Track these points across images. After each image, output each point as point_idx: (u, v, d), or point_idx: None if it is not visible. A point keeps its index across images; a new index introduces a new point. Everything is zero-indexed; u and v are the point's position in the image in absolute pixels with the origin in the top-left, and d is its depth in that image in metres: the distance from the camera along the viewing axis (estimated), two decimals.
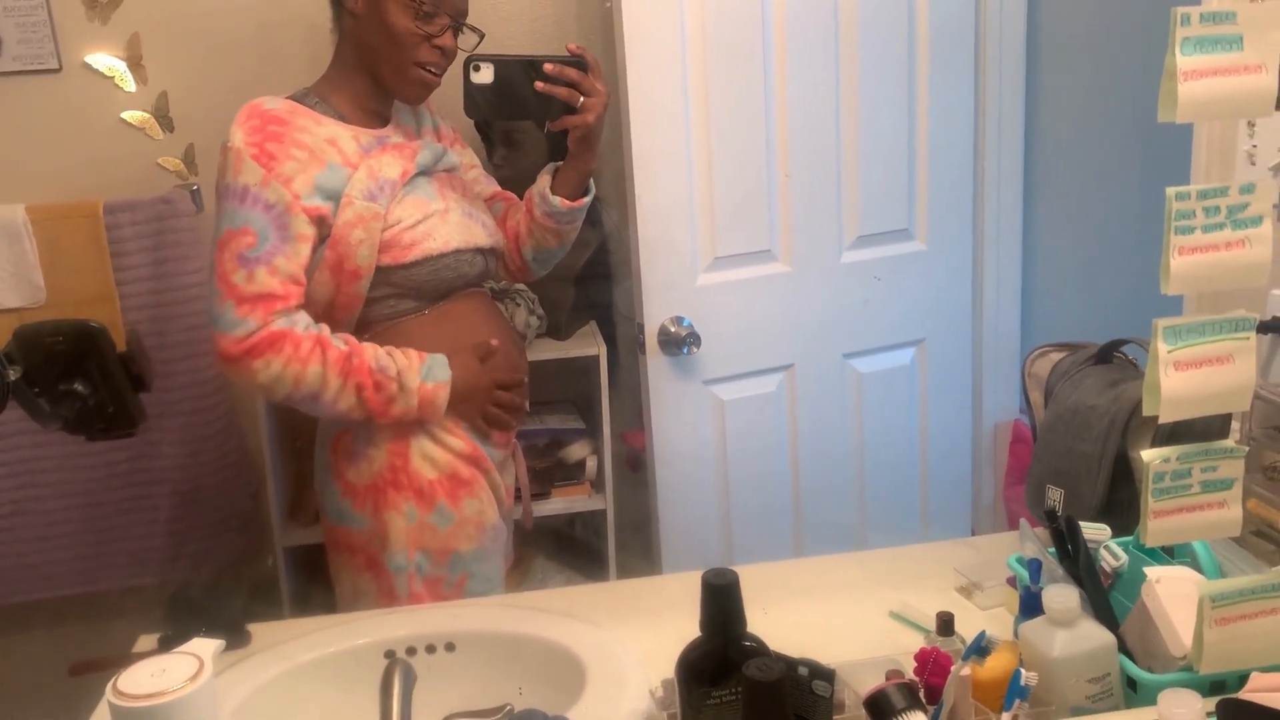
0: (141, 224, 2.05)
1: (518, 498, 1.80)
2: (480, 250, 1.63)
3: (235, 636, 1.30)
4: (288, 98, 1.55)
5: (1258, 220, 0.87)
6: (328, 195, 1.49)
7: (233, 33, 2.09)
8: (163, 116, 2.11)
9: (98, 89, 2.08)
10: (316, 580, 2.04)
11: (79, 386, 0.88)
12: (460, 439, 1.60)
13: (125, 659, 1.10)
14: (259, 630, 1.33)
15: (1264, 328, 1.34)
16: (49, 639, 2.15)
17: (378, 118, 1.61)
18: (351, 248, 1.50)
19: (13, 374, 0.81)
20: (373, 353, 1.51)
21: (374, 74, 1.58)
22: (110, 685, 0.86)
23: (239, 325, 1.44)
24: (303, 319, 1.48)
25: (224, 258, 1.46)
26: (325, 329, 1.50)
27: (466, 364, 1.58)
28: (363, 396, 1.50)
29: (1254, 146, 1.42)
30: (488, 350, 1.60)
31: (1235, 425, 1.22)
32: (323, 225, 1.50)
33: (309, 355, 1.47)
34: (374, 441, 1.57)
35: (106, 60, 2.07)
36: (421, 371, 1.53)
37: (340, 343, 1.50)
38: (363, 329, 1.59)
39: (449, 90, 1.62)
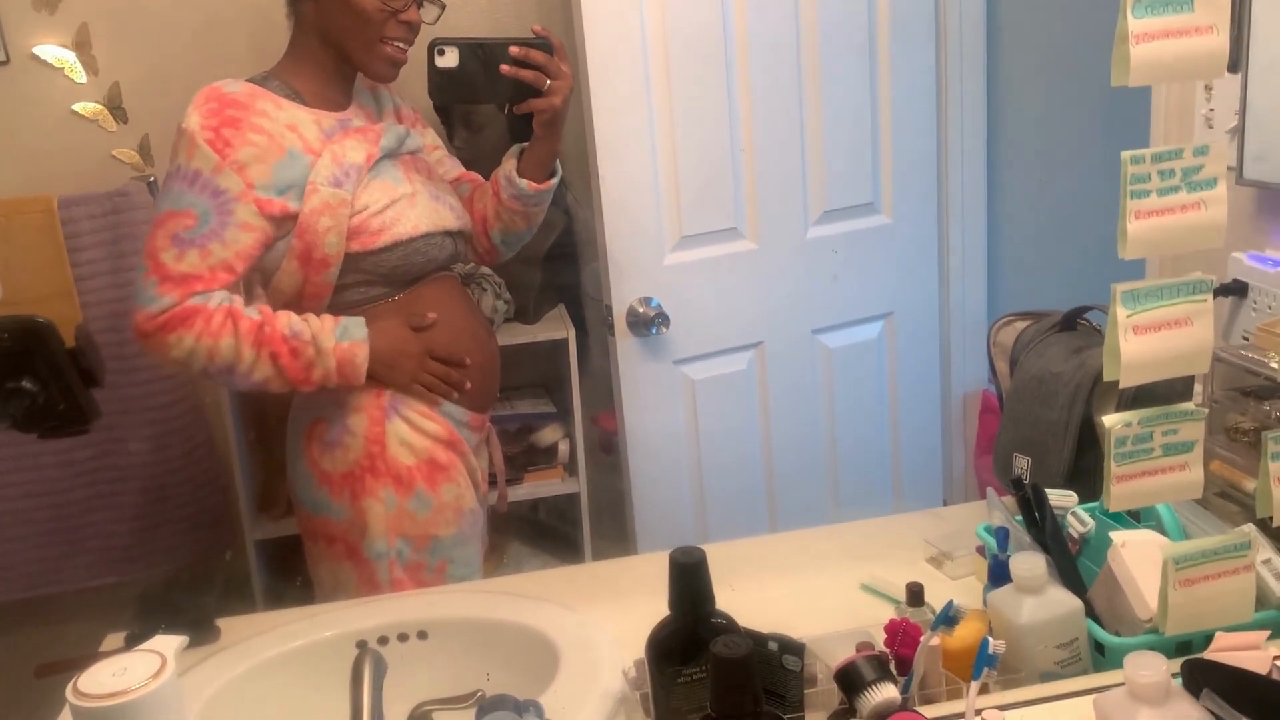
0: (98, 218, 2.02)
1: (492, 482, 1.79)
2: (449, 233, 1.61)
3: (204, 632, 1.29)
4: (248, 80, 1.52)
5: (1212, 182, 0.87)
6: (286, 186, 1.47)
7: (185, 20, 2.05)
8: (116, 108, 2.08)
9: (47, 81, 2.04)
10: (288, 573, 2.03)
11: (26, 384, 0.86)
12: (438, 424, 1.59)
13: (91, 659, 1.08)
14: (229, 625, 1.31)
15: (1223, 290, 1.35)
16: (15, 641, 2.13)
17: (338, 101, 1.59)
18: (319, 235, 1.48)
19: None
20: (286, 319, 1.49)
21: (341, 55, 1.55)
22: (70, 686, 0.85)
23: (155, 302, 1.43)
24: (217, 296, 1.45)
25: (158, 235, 1.44)
26: (238, 300, 1.47)
27: (393, 330, 1.56)
28: (279, 365, 1.48)
29: (1211, 110, 1.42)
30: (420, 320, 1.58)
31: (1198, 389, 1.23)
32: (282, 219, 1.48)
33: (220, 328, 1.44)
34: (350, 429, 1.55)
35: (55, 51, 2.03)
36: (336, 332, 1.51)
37: (254, 313, 1.47)
38: (335, 314, 1.56)
39: (410, 72, 1.60)
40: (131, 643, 1.23)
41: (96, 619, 1.60)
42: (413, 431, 1.57)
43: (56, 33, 2.03)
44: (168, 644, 0.90)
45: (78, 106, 2.06)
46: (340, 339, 1.50)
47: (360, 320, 1.53)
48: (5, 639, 2.13)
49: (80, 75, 2.05)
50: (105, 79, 2.06)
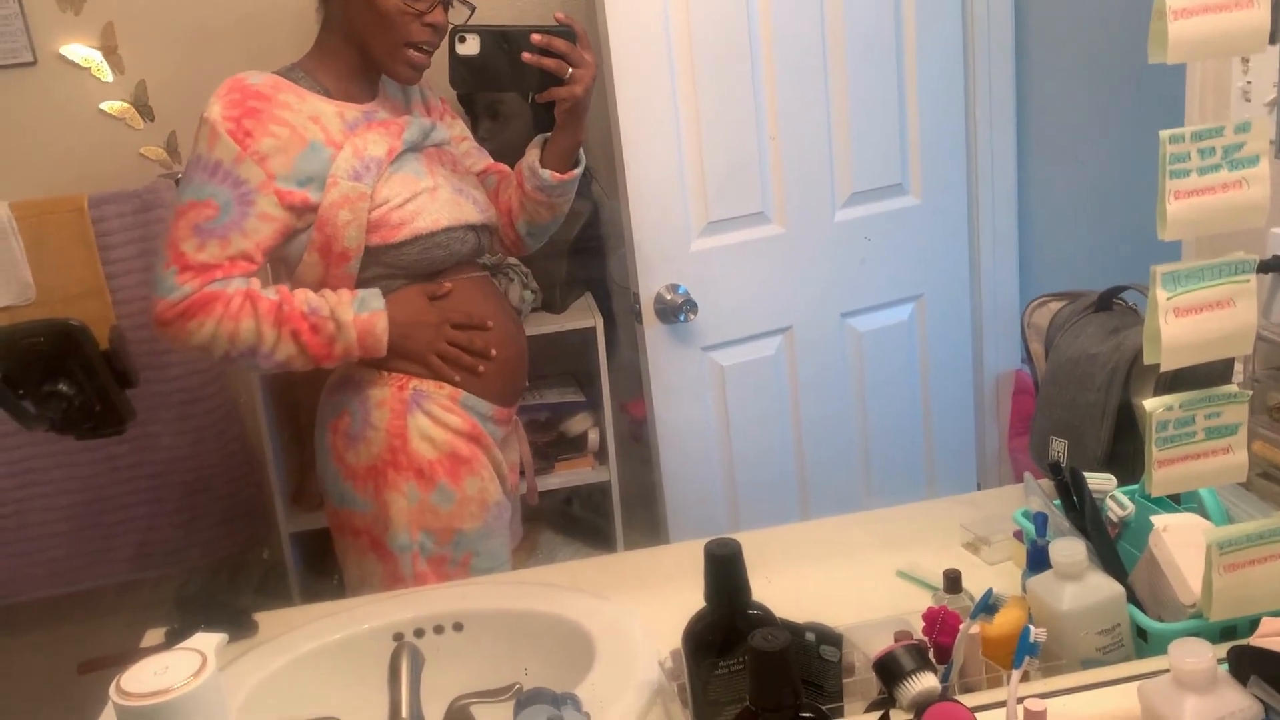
0: (128, 216, 2.03)
1: (521, 475, 1.79)
2: (472, 227, 1.61)
3: (242, 627, 1.30)
4: (274, 72, 1.52)
5: (1255, 160, 0.85)
6: (308, 178, 1.47)
7: (210, 17, 2.06)
8: (142, 106, 2.09)
9: (75, 81, 2.05)
10: (324, 565, 2.04)
11: (63, 386, 0.87)
12: (459, 416, 1.59)
13: (134, 654, 1.09)
14: (266, 619, 1.33)
15: (1264, 267, 1.32)
16: (57, 637, 2.16)
17: (364, 94, 1.59)
18: (339, 229, 1.48)
19: None
20: (303, 296, 1.49)
21: (364, 54, 1.55)
22: (114, 685, 0.86)
23: (175, 290, 1.43)
24: (235, 281, 1.46)
25: (179, 225, 1.44)
26: (255, 283, 1.47)
27: (410, 299, 1.55)
28: (301, 342, 1.48)
29: (1248, 83, 1.39)
30: (436, 289, 1.57)
31: (1238, 368, 1.21)
32: (303, 210, 1.48)
33: (240, 311, 1.44)
34: (371, 423, 1.56)
35: (82, 51, 2.05)
36: (354, 304, 1.51)
37: (271, 293, 1.48)
38: None
39: (436, 60, 1.59)
40: (172, 638, 1.25)
41: (137, 613, 1.62)
42: (434, 425, 1.57)
43: (82, 33, 2.04)
44: (208, 642, 0.90)
45: (105, 105, 2.08)
46: (359, 310, 1.51)
47: (376, 291, 1.53)
48: (48, 633, 2.16)
49: (107, 74, 2.06)
50: (131, 77, 2.07)
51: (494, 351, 1.59)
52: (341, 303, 1.50)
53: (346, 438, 1.58)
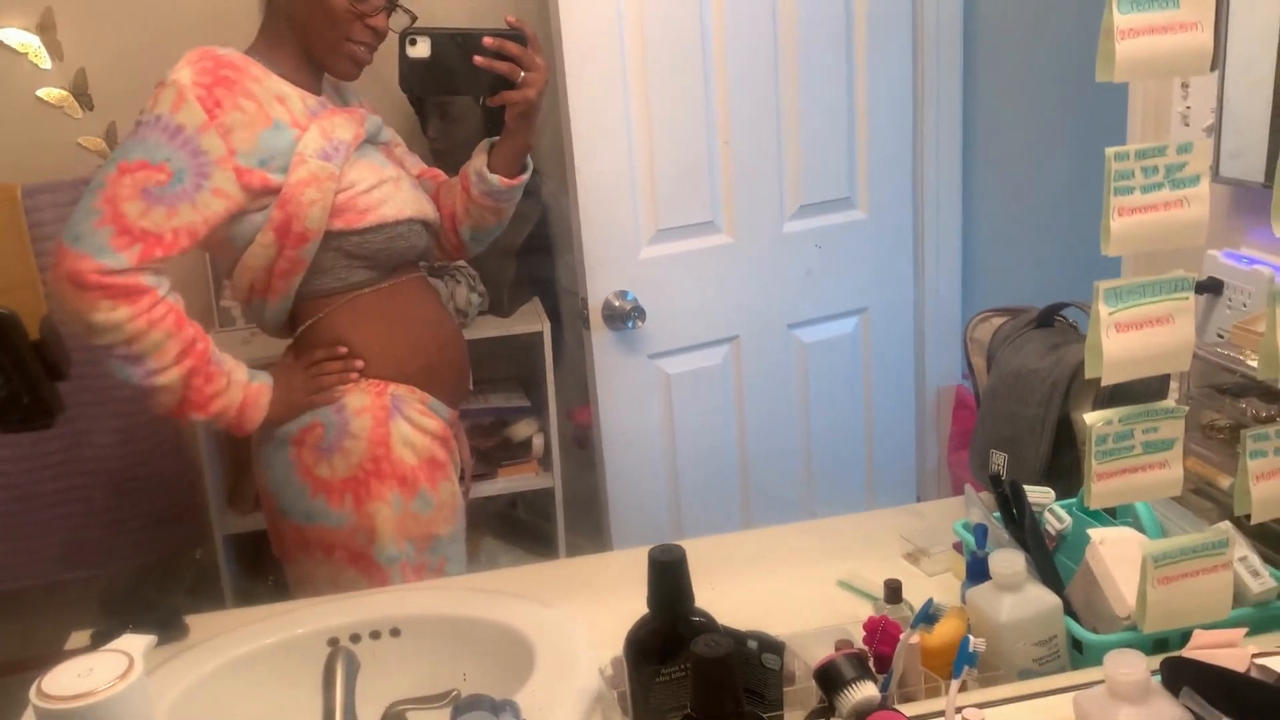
0: (64, 206, 1.98)
1: (461, 476, 1.77)
2: (427, 223, 1.60)
3: (172, 630, 1.26)
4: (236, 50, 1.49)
5: (1196, 179, 0.87)
6: (269, 158, 1.43)
7: (153, 5, 2.01)
8: (82, 94, 2.04)
9: (11, 66, 2.00)
10: (258, 568, 2.01)
11: None
12: (433, 420, 1.57)
13: (56, 657, 1.06)
14: (197, 622, 1.29)
15: (1199, 288, 1.35)
16: None
17: (313, 85, 1.56)
18: (303, 208, 1.44)
19: None
20: (212, 344, 1.47)
21: (305, 49, 1.53)
22: (34, 687, 0.83)
23: (108, 255, 1.34)
24: (166, 283, 1.41)
25: (123, 182, 1.36)
26: (181, 302, 1.43)
27: (281, 369, 1.55)
28: (190, 381, 1.42)
29: (1188, 108, 1.43)
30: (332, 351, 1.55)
31: (1174, 386, 1.23)
32: (260, 192, 1.43)
33: (160, 320, 1.39)
34: (351, 433, 1.51)
35: (19, 36, 1.99)
36: (248, 374, 1.50)
37: (190, 325, 1.43)
38: (314, 306, 1.53)
39: (379, 65, 1.57)
40: (98, 640, 1.21)
41: (63, 614, 1.57)
42: (414, 430, 1.54)
43: (20, 16, 1.99)
44: (135, 644, 0.88)
45: (42, 93, 2.03)
46: (251, 380, 1.49)
47: (267, 371, 1.52)
48: None
49: (45, 61, 2.01)
50: (71, 65, 2.02)
51: (360, 363, 1.54)
52: (240, 366, 1.49)
53: (318, 451, 1.52)
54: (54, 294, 1.38)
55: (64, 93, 2.03)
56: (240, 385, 1.47)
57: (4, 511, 2.05)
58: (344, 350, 1.54)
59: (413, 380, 1.56)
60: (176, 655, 1.21)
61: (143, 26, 2.01)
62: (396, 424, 1.53)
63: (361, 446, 1.51)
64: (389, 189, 1.52)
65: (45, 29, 1.99)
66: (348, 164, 1.48)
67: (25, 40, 1.99)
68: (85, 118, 2.05)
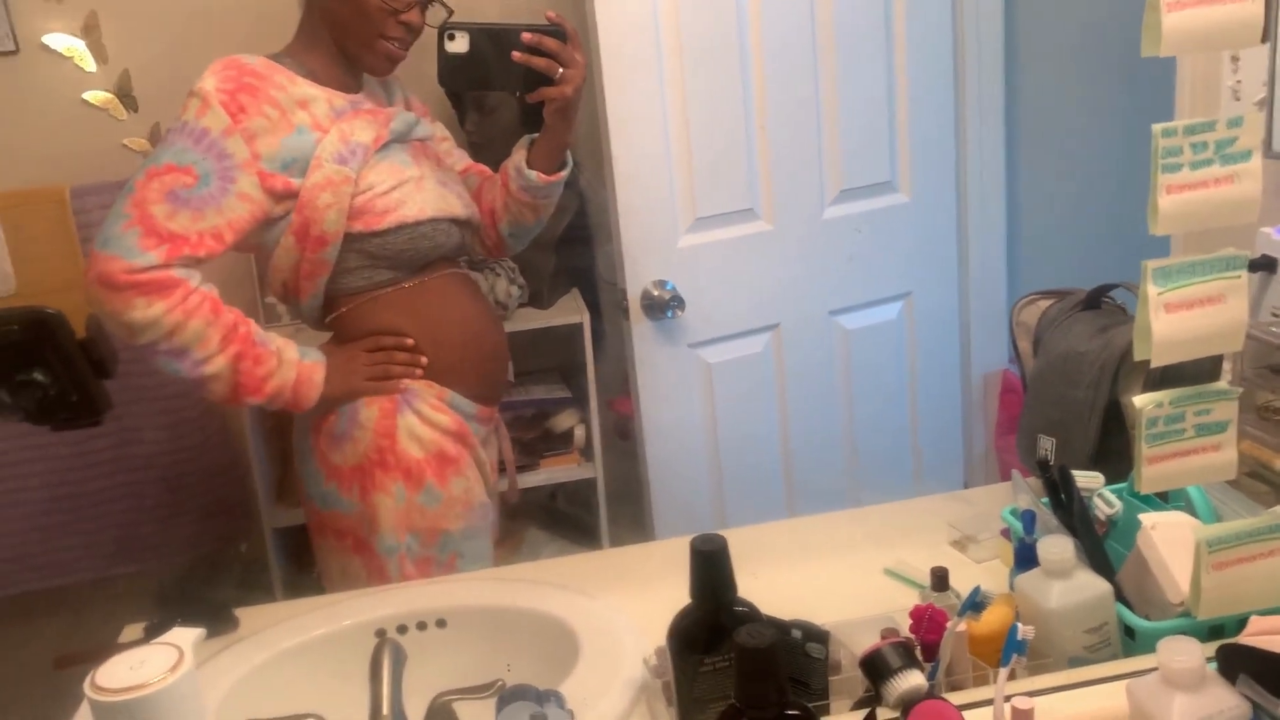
0: (109, 207, 2.00)
1: (502, 471, 1.78)
2: (456, 221, 1.59)
3: (223, 622, 1.28)
4: (264, 57, 1.50)
5: (1247, 155, 0.85)
6: (291, 161, 1.45)
7: (193, 6, 2.04)
8: (126, 96, 2.07)
9: (57, 70, 2.03)
10: (306, 561, 2.03)
11: (38, 375, 0.85)
12: (448, 415, 1.57)
13: (111, 649, 1.08)
14: (247, 614, 1.31)
15: (1253, 266, 1.32)
16: (35, 630, 2.14)
17: (350, 83, 1.57)
18: (319, 211, 1.46)
19: None
20: (256, 326, 1.48)
21: (339, 46, 1.54)
22: (88, 680, 0.84)
23: (136, 255, 1.36)
24: (198, 275, 1.43)
25: (151, 186, 1.39)
26: (216, 291, 1.45)
27: (329, 350, 1.56)
28: (238, 366, 1.44)
29: (1238, 82, 1.39)
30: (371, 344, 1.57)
31: (1226, 367, 1.20)
32: (283, 196, 1.45)
33: (197, 309, 1.40)
34: (359, 423, 1.54)
35: (64, 40, 2.02)
36: (299, 351, 1.51)
37: (229, 310, 1.45)
38: (340, 302, 1.56)
39: (420, 60, 1.58)
40: (150, 633, 1.23)
41: (116, 608, 1.61)
42: (422, 424, 1.55)
43: (65, 20, 2.02)
44: (185, 637, 0.89)
45: (88, 95, 2.06)
46: (303, 358, 1.51)
47: (318, 347, 1.54)
48: (26, 628, 2.14)
49: (90, 64, 2.04)
50: (115, 67, 2.05)
51: (424, 359, 1.56)
52: (289, 344, 1.51)
53: (331, 438, 1.55)
54: (90, 299, 1.40)
55: (108, 95, 2.06)
56: (292, 363, 1.49)
57: (56, 508, 2.09)
58: (410, 342, 1.55)
59: (430, 375, 1.57)
60: (227, 648, 1.23)
61: (185, 28, 2.04)
62: (404, 417, 1.54)
63: (368, 437, 1.53)
64: (409, 190, 1.52)
65: (89, 32, 2.02)
66: (367, 167, 1.49)
67: (70, 44, 2.03)
68: (130, 119, 2.08)
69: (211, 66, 1.44)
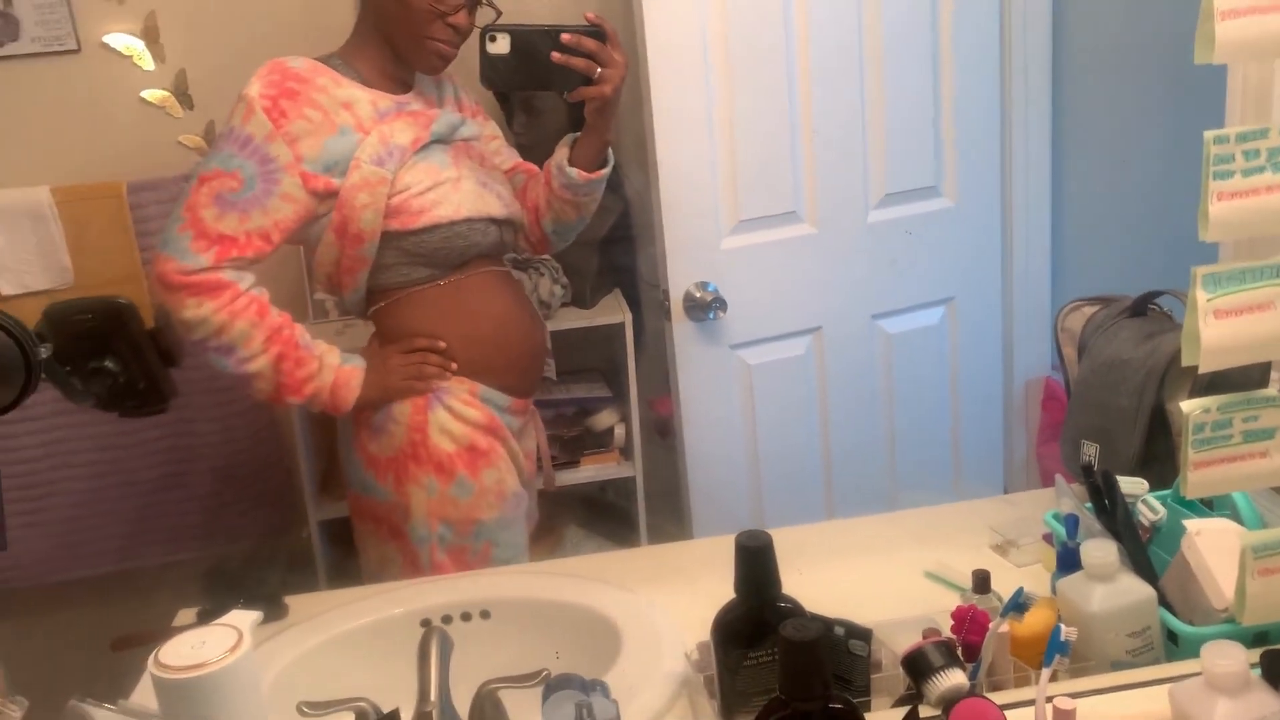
0: (165, 203, 2.05)
1: (540, 462, 1.81)
2: (494, 220, 1.62)
3: (272, 609, 1.31)
4: (313, 59, 1.55)
5: None
6: (334, 162, 1.50)
7: (250, 8, 2.08)
8: (182, 94, 2.11)
9: (117, 68, 2.08)
10: (351, 552, 2.06)
11: (109, 363, 0.89)
12: (477, 410, 1.61)
13: (165, 633, 1.11)
14: (296, 602, 1.34)
15: None
16: (91, 615, 2.18)
17: (400, 84, 1.61)
18: (356, 211, 1.51)
19: (44, 352, 0.81)
20: (302, 331, 1.54)
21: (391, 44, 1.58)
22: (152, 658, 0.87)
23: (189, 257, 1.45)
24: (249, 278, 1.50)
25: (201, 190, 1.46)
26: (266, 294, 1.52)
27: (368, 354, 1.61)
28: (280, 367, 1.51)
29: None
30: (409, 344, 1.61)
31: (1275, 375, 1.20)
32: (325, 195, 1.51)
33: (243, 310, 1.48)
34: (394, 417, 1.59)
35: (124, 39, 2.07)
36: (341, 357, 1.56)
37: (276, 314, 1.52)
38: (378, 297, 1.60)
39: (470, 61, 1.60)
40: (204, 618, 1.26)
41: (169, 594, 1.64)
42: (454, 419, 1.59)
43: (125, 21, 2.06)
44: (244, 619, 0.92)
45: (146, 94, 2.10)
46: (343, 363, 1.56)
47: (359, 355, 1.60)
48: (82, 612, 2.18)
49: (148, 63, 2.09)
50: (172, 66, 2.09)
51: (454, 365, 1.60)
52: (332, 350, 1.56)
53: (370, 429, 1.61)
54: (153, 295, 1.49)
55: (165, 93, 2.11)
56: (332, 368, 1.54)
57: (111, 496, 2.13)
58: (443, 345, 1.60)
59: (462, 371, 1.61)
60: (279, 633, 1.26)
61: (241, 28, 2.07)
62: (435, 412, 1.58)
63: (402, 431, 1.58)
64: (446, 190, 1.56)
65: (149, 33, 2.07)
66: (405, 167, 1.53)
67: (130, 44, 2.07)
68: (185, 117, 2.12)
69: (258, 71, 1.50)
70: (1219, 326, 0.86)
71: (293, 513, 2.21)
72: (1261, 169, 0.84)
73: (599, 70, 1.53)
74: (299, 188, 1.48)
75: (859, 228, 2.10)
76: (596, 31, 1.53)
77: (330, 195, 1.51)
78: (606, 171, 1.67)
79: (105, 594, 2.18)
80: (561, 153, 1.65)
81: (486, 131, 1.76)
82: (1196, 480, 0.91)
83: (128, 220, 2.04)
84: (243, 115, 1.47)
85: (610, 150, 1.66)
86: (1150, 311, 1.41)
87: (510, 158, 1.79)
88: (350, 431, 1.64)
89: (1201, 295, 0.86)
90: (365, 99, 1.54)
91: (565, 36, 1.52)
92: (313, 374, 1.53)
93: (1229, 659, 0.83)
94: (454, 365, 1.61)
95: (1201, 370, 0.89)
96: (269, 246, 1.49)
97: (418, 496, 1.58)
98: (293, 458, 2.13)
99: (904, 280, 2.15)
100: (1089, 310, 1.48)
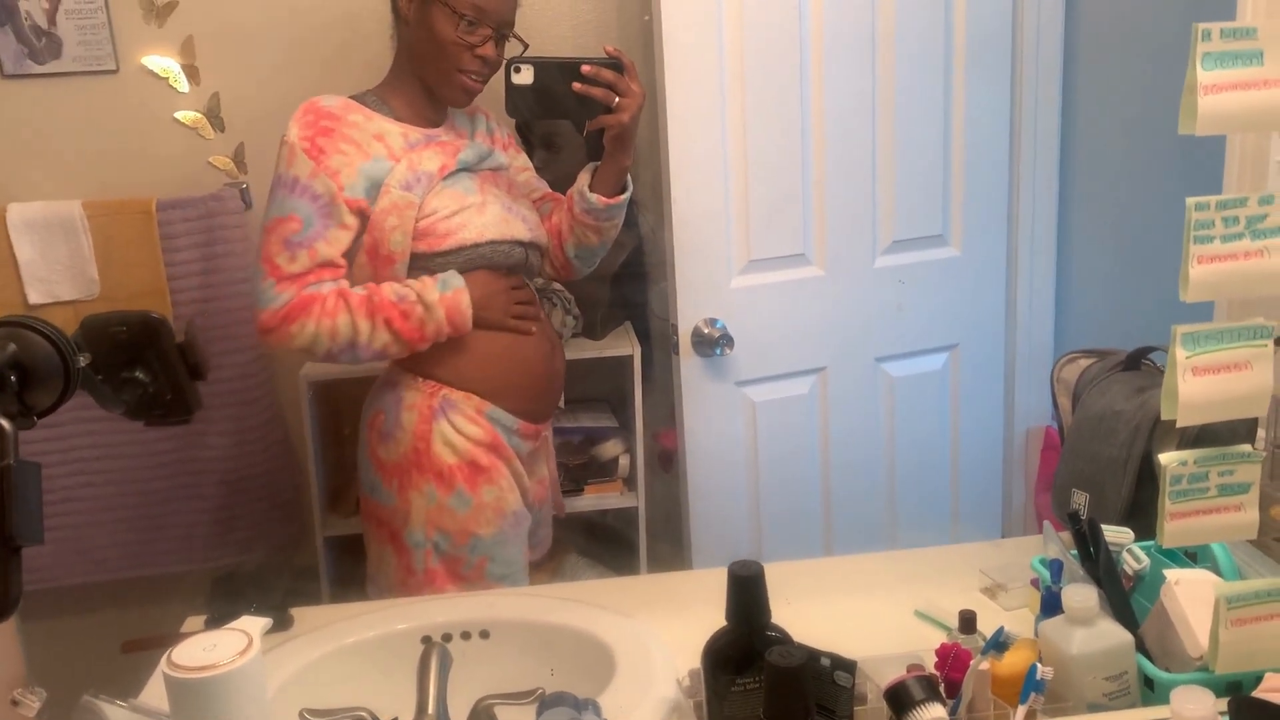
0: (192, 220, 2.11)
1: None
2: (519, 243, 1.69)
3: (278, 620, 1.35)
4: (351, 96, 1.64)
5: (1277, 230, 0.89)
6: (368, 188, 1.58)
7: (283, 37, 2.15)
8: (214, 117, 2.18)
9: (153, 90, 2.14)
10: (356, 567, 2.09)
11: (140, 374, 0.94)
12: (481, 428, 1.66)
13: (175, 637, 1.15)
14: (302, 614, 1.38)
15: None
16: (102, 619, 2.22)
17: (431, 119, 1.70)
18: (385, 233, 1.59)
19: (82, 360, 0.86)
20: (390, 287, 1.60)
21: (422, 79, 1.65)
22: (165, 658, 0.91)
23: (275, 300, 1.55)
24: (327, 283, 1.57)
25: (270, 240, 1.56)
26: (345, 282, 1.59)
27: (480, 277, 1.65)
28: (394, 329, 1.58)
29: None
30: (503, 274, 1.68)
31: (1261, 433, 1.23)
32: (363, 216, 1.59)
33: (335, 308, 1.56)
34: (401, 424, 1.65)
35: (162, 62, 2.14)
36: (438, 285, 1.61)
37: (360, 290, 1.59)
38: None
39: (501, 94, 1.67)
40: (212, 625, 1.30)
41: (180, 601, 1.68)
42: (456, 434, 1.65)
43: (163, 45, 2.13)
44: (254, 624, 0.96)
45: (179, 115, 2.17)
46: (443, 290, 1.61)
47: (453, 270, 1.63)
48: (92, 617, 2.22)
49: (183, 85, 2.15)
50: (206, 89, 2.16)
51: (541, 314, 1.71)
52: (426, 286, 1.61)
53: (380, 434, 1.68)
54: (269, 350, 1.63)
55: (198, 115, 2.17)
56: (435, 304, 1.60)
57: (122, 504, 2.17)
58: (537, 307, 1.70)
59: (471, 387, 1.67)
60: (284, 643, 1.30)
61: (275, 54, 2.14)
62: (439, 424, 1.64)
63: (407, 438, 1.65)
64: (470, 215, 1.63)
65: (185, 56, 2.14)
66: (432, 193, 1.61)
67: (166, 65, 2.14)
68: (216, 139, 2.19)
69: (295, 114, 1.59)
70: (1197, 383, 0.90)
71: (301, 527, 2.25)
72: (1240, 235, 0.88)
73: (617, 100, 1.60)
74: (348, 213, 1.58)
75: (866, 272, 2.14)
76: (615, 63, 1.61)
77: (365, 217, 1.58)
78: (626, 196, 1.73)
79: (118, 599, 2.22)
80: (583, 179, 1.72)
81: (518, 163, 1.84)
82: (1173, 530, 0.95)
83: (155, 236, 2.10)
84: (287, 159, 1.56)
85: (629, 178, 1.72)
86: (1143, 366, 1.45)
87: (540, 187, 1.87)
88: (365, 435, 1.71)
89: (1181, 353, 0.90)
90: (396, 131, 1.62)
91: (585, 68, 1.60)
92: (423, 318, 1.59)
93: (1197, 704, 0.86)
94: (540, 318, 1.70)
95: (1179, 424, 0.92)
96: (341, 272, 1.59)
97: (418, 503, 1.64)
98: (304, 473, 2.17)
99: (908, 325, 2.19)
100: (1084, 363, 1.52)
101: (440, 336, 1.62)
